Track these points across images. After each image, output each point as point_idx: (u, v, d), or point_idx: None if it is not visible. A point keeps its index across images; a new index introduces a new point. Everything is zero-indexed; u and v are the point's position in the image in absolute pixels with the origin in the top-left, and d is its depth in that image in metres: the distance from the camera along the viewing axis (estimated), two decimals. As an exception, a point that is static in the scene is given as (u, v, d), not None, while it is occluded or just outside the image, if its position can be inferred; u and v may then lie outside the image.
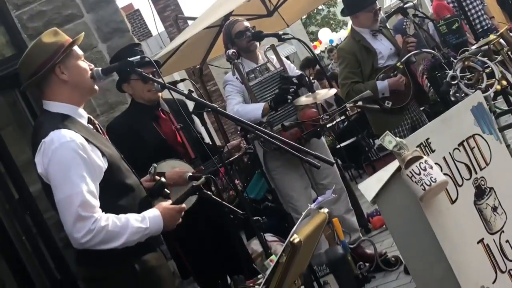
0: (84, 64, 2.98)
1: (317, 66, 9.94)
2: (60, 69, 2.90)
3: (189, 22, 12.80)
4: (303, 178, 4.88)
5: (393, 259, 4.92)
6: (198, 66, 10.07)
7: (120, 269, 2.88)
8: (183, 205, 2.96)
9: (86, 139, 2.81)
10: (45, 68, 2.87)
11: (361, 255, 4.99)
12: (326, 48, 21.79)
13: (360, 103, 5.03)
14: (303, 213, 2.61)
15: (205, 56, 9.41)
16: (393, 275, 4.80)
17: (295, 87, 4.61)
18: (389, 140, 3.09)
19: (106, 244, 2.77)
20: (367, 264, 4.95)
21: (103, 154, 2.86)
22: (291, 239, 2.42)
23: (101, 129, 3.08)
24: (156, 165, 3.23)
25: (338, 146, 8.68)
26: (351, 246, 4.84)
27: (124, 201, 2.93)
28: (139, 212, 2.90)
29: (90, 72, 2.99)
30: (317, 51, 23.63)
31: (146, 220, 2.82)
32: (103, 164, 2.84)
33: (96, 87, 3.04)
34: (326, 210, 2.71)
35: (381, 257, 4.96)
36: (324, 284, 4.24)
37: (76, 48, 2.99)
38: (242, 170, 6.67)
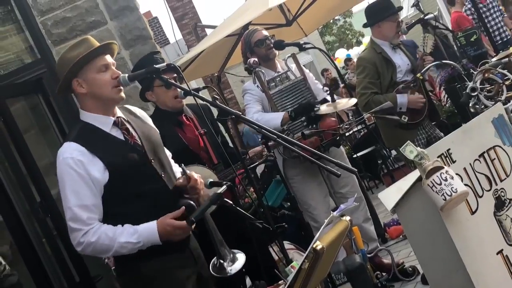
0: (104, 75, 2.99)
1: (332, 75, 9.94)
2: (78, 82, 2.96)
3: (207, 30, 12.82)
4: (322, 186, 4.89)
5: (410, 269, 4.90)
6: (216, 74, 10.11)
7: (126, 270, 3.04)
8: (184, 222, 2.93)
9: (91, 151, 2.89)
10: (63, 82, 2.97)
11: (378, 265, 4.99)
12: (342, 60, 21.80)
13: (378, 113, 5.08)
14: (326, 220, 2.62)
15: (223, 64, 9.44)
16: (410, 285, 4.79)
17: (317, 107, 4.62)
18: (410, 150, 3.10)
19: (97, 255, 3.04)
20: (384, 274, 4.96)
21: (105, 167, 2.91)
22: (314, 246, 2.43)
23: (129, 133, 3.09)
24: (183, 165, 3.23)
25: (355, 156, 8.71)
26: (369, 255, 4.83)
27: (134, 208, 2.97)
28: (152, 218, 2.94)
29: (114, 80, 3.00)
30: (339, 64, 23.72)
31: (137, 235, 2.88)
32: (102, 177, 2.90)
33: (122, 94, 3.05)
34: (348, 218, 2.72)
35: (399, 267, 4.95)
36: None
37: (103, 58, 3.00)
38: (259, 178, 6.66)
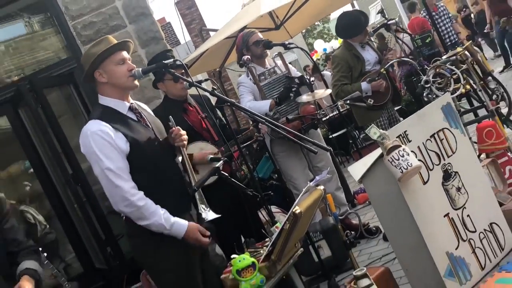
0: (121, 67, 2.95)
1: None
2: (99, 73, 2.93)
3: (211, 33, 12.76)
4: (302, 161, 4.87)
5: (374, 228, 4.94)
6: (217, 69, 10.08)
7: (137, 232, 2.89)
8: (205, 240, 2.91)
9: (114, 127, 2.84)
10: (88, 70, 2.93)
11: (348, 225, 5.00)
12: (321, 56, 21.71)
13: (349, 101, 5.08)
14: (304, 189, 2.61)
15: (224, 61, 9.42)
16: (374, 241, 4.81)
17: (296, 86, 4.61)
18: (374, 132, 3.09)
19: (134, 217, 2.83)
20: (353, 232, 4.95)
21: (127, 139, 2.86)
22: (294, 210, 2.43)
23: (144, 116, 3.06)
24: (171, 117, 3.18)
25: (330, 136, 8.74)
26: (340, 217, 4.85)
27: (149, 177, 2.91)
28: (162, 186, 2.92)
29: (130, 72, 2.96)
30: (314, 58, 23.77)
31: (171, 224, 2.82)
32: (125, 147, 2.84)
33: (136, 83, 3.02)
34: (322, 187, 2.71)
35: (364, 227, 4.99)
36: (318, 248, 4.25)
37: (121, 53, 2.96)
38: (252, 155, 6.65)
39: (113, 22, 5.57)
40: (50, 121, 5.23)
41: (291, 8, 8.78)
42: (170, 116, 3.17)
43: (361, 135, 6.95)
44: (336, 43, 22.15)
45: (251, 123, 4.23)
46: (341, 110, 6.50)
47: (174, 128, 3.04)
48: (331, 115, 8.53)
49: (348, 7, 10.85)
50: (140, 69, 3.05)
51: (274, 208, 5.12)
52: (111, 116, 2.89)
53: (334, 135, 8.87)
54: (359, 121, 5.53)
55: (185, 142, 3.06)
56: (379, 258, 4.30)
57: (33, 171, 5.89)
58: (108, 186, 2.81)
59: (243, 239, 4.37)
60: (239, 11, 10.07)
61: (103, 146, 2.79)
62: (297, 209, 2.42)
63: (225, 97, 3.30)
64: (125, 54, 2.99)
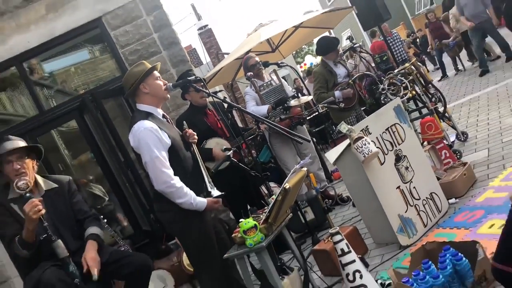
0: (159, 82, 2.92)
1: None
2: (143, 85, 2.88)
3: (225, 55, 12.74)
4: (292, 149, 4.84)
5: (345, 197, 4.93)
6: (230, 82, 10.04)
7: (165, 208, 2.81)
8: (219, 203, 2.87)
9: (159, 127, 2.79)
10: (133, 86, 2.87)
11: (327, 195, 5.00)
12: (307, 68, 21.71)
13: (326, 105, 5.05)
14: (292, 170, 2.60)
15: (234, 76, 9.36)
16: (346, 207, 4.80)
17: (289, 100, 4.57)
18: (343, 127, 3.08)
19: (171, 196, 2.73)
20: (330, 201, 4.96)
21: (169, 136, 2.81)
22: (284, 186, 2.42)
23: (170, 121, 3.04)
24: (185, 122, 3.15)
25: (314, 130, 8.70)
26: (321, 190, 4.84)
27: (180, 166, 2.84)
28: (187, 173, 2.85)
29: (164, 86, 2.94)
30: (302, 69, 24.32)
31: (197, 203, 2.75)
32: (168, 141, 2.79)
33: (168, 95, 2.98)
34: (305, 168, 2.70)
35: (339, 196, 4.98)
36: (304, 212, 4.25)
37: (155, 72, 2.94)
38: (257, 145, 6.63)
39: (152, 49, 5.54)
40: (107, 123, 5.22)
41: (283, 36, 8.74)
42: (184, 121, 3.15)
43: (336, 130, 6.93)
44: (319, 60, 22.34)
45: (254, 122, 4.21)
46: (320, 111, 6.45)
47: (186, 130, 3.02)
48: (313, 115, 8.49)
49: (326, 34, 10.77)
50: (171, 84, 3.04)
51: (272, 184, 5.11)
52: (154, 119, 2.85)
53: (316, 129, 8.84)
54: (334, 119, 5.52)
55: (195, 140, 3.02)
56: (349, 220, 4.30)
57: (95, 160, 5.90)
58: (155, 171, 2.71)
59: (248, 208, 4.38)
60: (245, 39, 10.00)
61: (153, 139, 2.72)
62: (287, 185, 2.41)
63: (234, 103, 3.28)
64: (157, 73, 2.97)
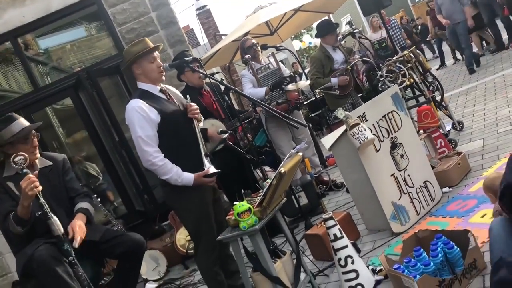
0: (153, 64, 2.89)
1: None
2: (135, 66, 2.88)
3: (223, 37, 12.63)
4: (288, 134, 4.83)
5: (339, 183, 4.93)
6: (227, 64, 9.98)
7: (167, 182, 2.83)
8: (209, 180, 2.87)
9: (149, 104, 2.78)
10: (127, 65, 2.88)
11: (321, 181, 5.00)
12: (306, 47, 21.67)
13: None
14: (287, 155, 2.59)
15: (232, 58, 9.30)
16: (339, 193, 4.81)
17: (287, 81, 4.54)
18: (340, 113, 3.07)
19: (157, 173, 2.80)
20: (324, 186, 4.97)
21: (159, 112, 2.79)
22: (279, 170, 2.42)
23: (170, 96, 2.98)
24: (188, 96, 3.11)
25: (310, 116, 8.68)
26: (315, 175, 4.85)
27: (174, 141, 2.85)
28: (184, 148, 2.86)
29: (160, 68, 2.91)
30: (303, 46, 24.70)
31: (182, 178, 2.78)
32: (157, 118, 2.78)
33: (163, 77, 2.95)
34: (301, 153, 2.69)
35: (333, 182, 4.98)
36: (298, 197, 4.26)
37: (154, 54, 2.90)
38: (252, 129, 6.62)
39: (149, 28, 5.49)
40: (102, 102, 5.18)
41: (282, 19, 8.67)
42: (188, 95, 3.13)
43: (332, 115, 6.91)
44: (317, 41, 22.42)
45: (251, 105, 4.19)
46: (317, 96, 6.43)
47: (188, 103, 3.02)
48: (310, 100, 8.45)
49: (325, 18, 10.70)
50: (167, 64, 3.01)
51: (267, 168, 5.12)
52: (147, 96, 2.85)
53: (312, 114, 8.81)
54: (330, 105, 5.50)
55: (197, 115, 3.00)
56: (343, 205, 4.31)
57: (89, 138, 5.88)
58: (138, 150, 2.79)
59: (243, 191, 4.38)
60: (243, 21, 9.91)
61: (138, 119, 2.75)
62: (282, 169, 2.40)
63: (231, 86, 3.27)
64: (156, 53, 2.93)
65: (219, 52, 8.30)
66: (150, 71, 2.89)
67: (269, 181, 2.64)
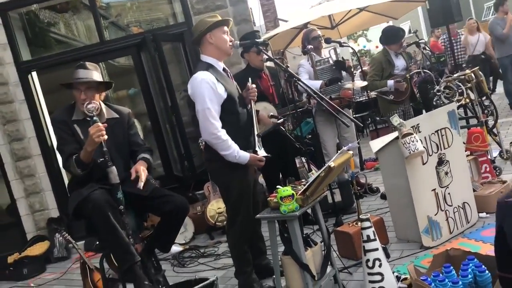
0: (226, 36, 2.98)
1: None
2: (210, 35, 2.95)
3: (280, 22, 12.60)
4: (334, 130, 4.85)
5: (375, 188, 4.95)
6: (282, 50, 9.98)
7: (214, 158, 2.95)
8: (262, 161, 2.96)
9: (216, 79, 2.87)
10: (201, 33, 2.95)
11: (357, 182, 4.98)
12: (359, 50, 21.39)
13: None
14: (339, 151, 2.65)
15: (287, 45, 9.31)
16: (373, 197, 4.83)
17: (343, 80, 4.56)
18: (395, 120, 3.09)
19: (217, 147, 2.87)
20: (359, 188, 4.98)
21: (225, 89, 2.89)
22: (330, 164, 2.48)
23: (230, 75, 3.09)
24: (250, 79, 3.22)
25: (353, 116, 8.57)
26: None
27: (232, 119, 2.94)
28: (239, 127, 2.94)
29: (230, 43, 3.00)
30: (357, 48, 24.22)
31: (240, 156, 2.88)
32: (224, 94, 2.88)
33: (231, 51, 3.04)
34: (351, 152, 2.74)
35: (368, 186, 4.99)
36: (333, 193, 4.30)
37: (225, 27, 2.99)
38: (295, 117, 6.66)
39: (218, 2, 5.57)
40: (162, 65, 5.29)
41: (346, 15, 8.61)
42: (250, 78, 3.22)
43: (378, 119, 6.89)
44: (369, 45, 22.17)
45: (305, 95, 4.24)
46: (368, 98, 6.40)
47: (250, 85, 3.09)
48: (362, 99, 8.36)
49: (384, 24, 10.54)
50: (238, 42, 3.10)
51: (297, 159, 5.14)
52: (214, 71, 2.92)
53: (356, 115, 8.70)
54: (381, 109, 5.47)
55: (255, 98, 3.10)
56: (375, 210, 4.34)
57: (134, 98, 5.96)
58: (204, 121, 2.84)
59: (281, 176, 4.47)
60: (307, 10, 9.89)
61: (208, 91, 2.82)
62: (332, 163, 2.47)
63: (294, 73, 3.32)
64: (226, 28, 3.01)
65: (276, 36, 8.33)
66: (223, 41, 2.96)
67: (314, 172, 2.72)
